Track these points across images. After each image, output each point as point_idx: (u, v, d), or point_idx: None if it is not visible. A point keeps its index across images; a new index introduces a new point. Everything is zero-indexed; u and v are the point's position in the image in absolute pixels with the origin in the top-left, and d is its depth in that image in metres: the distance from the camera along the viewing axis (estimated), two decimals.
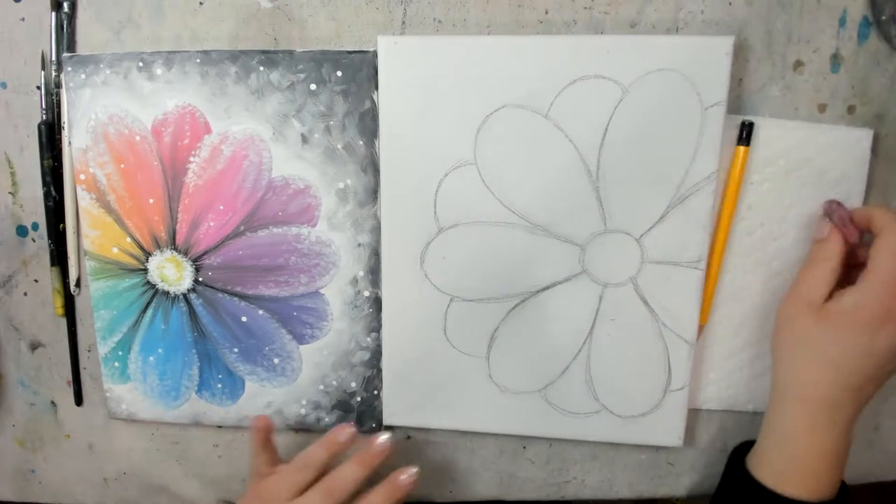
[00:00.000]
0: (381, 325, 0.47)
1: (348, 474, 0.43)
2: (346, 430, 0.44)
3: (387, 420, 0.49)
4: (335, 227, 0.46)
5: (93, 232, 0.48)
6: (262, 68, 0.44)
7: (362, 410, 0.50)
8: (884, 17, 0.41)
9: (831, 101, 0.43)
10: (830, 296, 0.38)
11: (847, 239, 0.39)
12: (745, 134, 0.42)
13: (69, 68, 0.45)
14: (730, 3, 0.42)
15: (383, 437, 0.44)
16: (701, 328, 0.45)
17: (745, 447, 0.43)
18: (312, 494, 0.43)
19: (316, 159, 0.45)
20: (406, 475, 0.43)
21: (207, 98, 0.45)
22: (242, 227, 0.47)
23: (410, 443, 0.51)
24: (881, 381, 0.38)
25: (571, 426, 0.47)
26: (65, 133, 0.47)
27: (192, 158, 0.46)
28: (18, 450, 0.55)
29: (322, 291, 0.47)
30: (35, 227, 0.50)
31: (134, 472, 0.55)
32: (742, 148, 0.42)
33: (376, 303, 0.47)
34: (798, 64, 0.43)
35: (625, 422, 0.47)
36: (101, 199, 0.47)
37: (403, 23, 0.44)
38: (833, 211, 0.41)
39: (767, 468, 0.40)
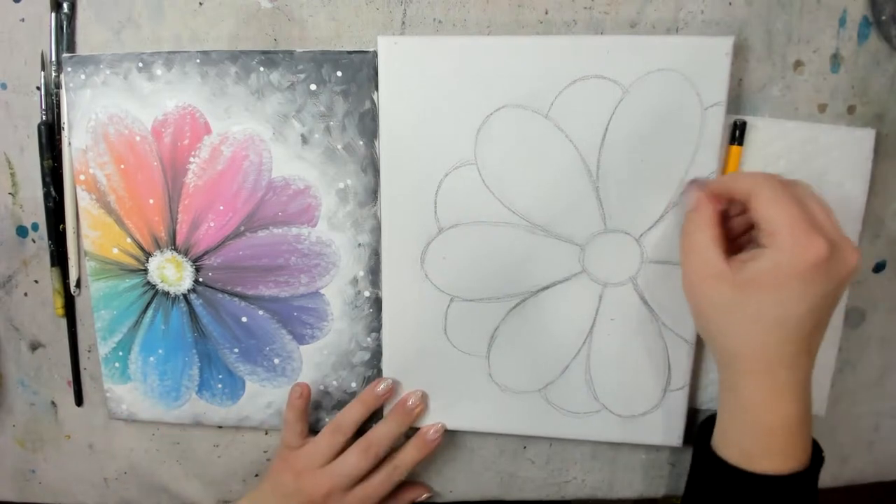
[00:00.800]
0: (381, 325, 0.47)
1: (384, 431, 0.46)
2: (383, 384, 0.47)
3: None
4: (335, 228, 0.46)
5: (93, 232, 0.48)
6: (262, 68, 0.44)
7: None
8: (884, 17, 0.41)
9: (831, 101, 0.43)
10: (728, 261, 0.36)
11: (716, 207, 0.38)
12: (738, 133, 0.42)
13: (69, 68, 0.45)
14: (730, 3, 0.42)
15: (416, 395, 0.47)
16: None
17: (710, 424, 0.41)
18: (349, 455, 0.45)
19: (316, 159, 0.45)
20: (433, 430, 0.47)
21: (207, 98, 0.45)
22: (242, 228, 0.47)
23: None
24: (823, 325, 0.36)
25: (571, 426, 0.47)
26: (65, 133, 0.47)
27: (192, 159, 0.46)
28: (19, 450, 0.55)
29: (322, 291, 0.47)
30: (35, 227, 0.50)
31: (134, 473, 0.55)
32: (735, 147, 0.42)
33: (376, 303, 0.47)
34: (798, 64, 0.43)
35: (625, 421, 0.47)
36: (101, 200, 0.47)
37: (403, 23, 0.44)
38: (697, 184, 0.40)
39: (733, 447, 0.37)
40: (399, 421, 0.46)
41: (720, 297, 0.36)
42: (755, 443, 0.36)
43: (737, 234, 0.40)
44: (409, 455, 0.46)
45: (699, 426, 0.44)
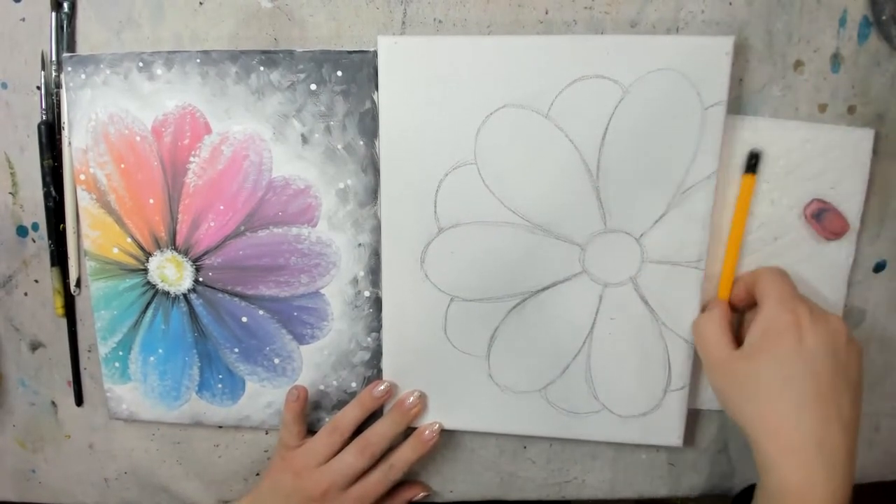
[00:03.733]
0: (381, 325, 0.47)
1: (382, 431, 0.46)
2: (381, 386, 0.47)
3: None
4: (335, 228, 0.46)
5: (93, 232, 0.48)
6: (262, 68, 0.44)
7: None
8: (884, 17, 0.41)
9: (832, 101, 0.43)
10: (737, 342, 0.40)
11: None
12: (753, 163, 0.42)
13: (69, 68, 0.45)
14: (730, 3, 0.42)
15: (414, 395, 0.47)
16: None
17: (746, 497, 0.41)
18: (346, 454, 0.46)
19: (316, 159, 0.45)
20: (430, 430, 0.47)
21: (208, 98, 0.45)
22: (243, 228, 0.47)
23: None
24: (843, 393, 0.36)
25: (572, 426, 0.47)
26: (65, 133, 0.47)
27: (192, 158, 0.46)
28: (19, 450, 0.55)
29: (322, 291, 0.47)
30: (35, 227, 0.50)
31: (134, 473, 0.55)
32: (749, 176, 0.42)
33: (376, 303, 0.47)
34: (798, 64, 0.43)
35: (625, 421, 0.47)
36: (102, 200, 0.47)
37: (403, 23, 0.44)
38: None
39: None
40: (397, 420, 0.47)
41: (734, 376, 0.38)
42: None
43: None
44: (405, 454, 0.46)
45: (734, 500, 0.45)
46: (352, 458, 0.45)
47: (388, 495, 0.48)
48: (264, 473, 0.49)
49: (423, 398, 0.47)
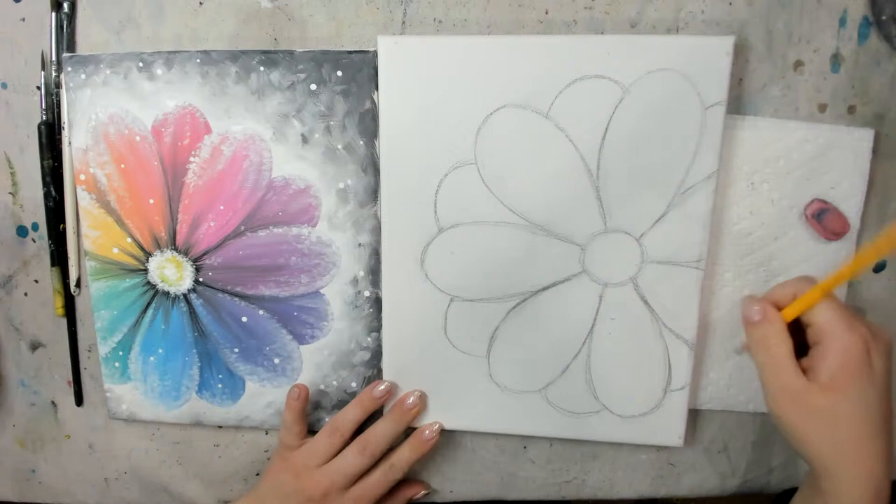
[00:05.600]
0: (381, 325, 0.47)
1: (382, 431, 0.46)
2: (381, 387, 0.47)
3: None
4: (335, 227, 0.46)
5: (93, 232, 0.48)
6: (262, 68, 0.44)
7: None
8: (884, 17, 0.41)
9: (832, 101, 0.43)
10: (805, 370, 0.37)
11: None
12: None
13: (69, 68, 0.45)
14: (730, 3, 0.42)
15: (415, 395, 0.47)
16: None
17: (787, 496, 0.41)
18: (347, 454, 0.46)
19: (316, 159, 0.45)
20: (430, 430, 0.47)
21: (208, 98, 0.45)
22: (243, 228, 0.47)
23: None
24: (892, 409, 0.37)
25: (572, 426, 0.47)
26: (65, 133, 0.47)
27: (192, 158, 0.46)
28: (19, 450, 0.55)
29: (322, 291, 0.47)
30: (35, 227, 0.50)
31: (134, 473, 0.55)
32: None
33: (376, 303, 0.47)
34: (798, 64, 0.43)
35: (625, 421, 0.47)
36: (102, 200, 0.47)
37: (403, 23, 0.44)
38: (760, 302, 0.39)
39: None
40: (397, 420, 0.47)
41: (810, 409, 0.36)
42: None
43: None
44: (405, 454, 0.47)
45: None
46: (352, 458, 0.45)
47: (389, 495, 0.48)
48: (264, 473, 0.49)
49: (423, 398, 0.47)
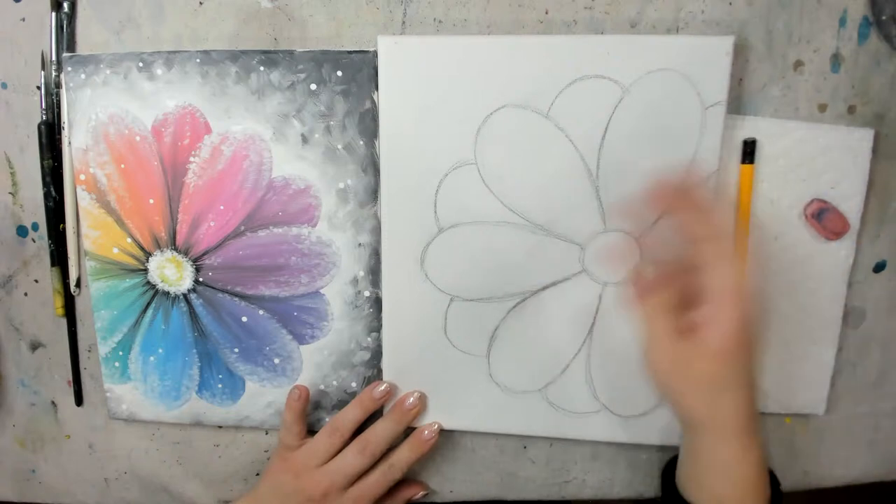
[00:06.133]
0: (381, 325, 0.47)
1: (382, 431, 0.46)
2: (381, 387, 0.47)
3: None
4: (335, 227, 0.46)
5: (93, 232, 0.48)
6: (262, 68, 0.44)
7: None
8: (884, 17, 0.41)
9: (832, 101, 0.43)
10: (681, 331, 0.37)
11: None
12: (749, 151, 0.42)
13: (69, 68, 0.45)
14: (730, 3, 0.42)
15: (414, 395, 0.47)
16: None
17: (673, 467, 0.43)
18: (347, 454, 0.46)
19: (316, 159, 0.45)
20: (429, 430, 0.47)
21: (208, 98, 0.45)
22: (243, 228, 0.47)
23: None
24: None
25: (572, 426, 0.47)
26: (65, 133, 0.47)
27: (192, 158, 0.46)
28: (19, 450, 0.55)
29: (322, 291, 0.47)
30: (35, 227, 0.50)
31: (134, 473, 0.55)
32: (747, 166, 0.42)
33: (376, 303, 0.47)
34: (798, 64, 0.43)
35: (625, 421, 0.47)
36: (102, 200, 0.47)
37: (403, 23, 0.44)
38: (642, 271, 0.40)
39: (705, 492, 0.39)
40: (397, 420, 0.47)
41: (695, 374, 0.37)
42: (730, 491, 0.38)
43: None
44: (404, 454, 0.47)
45: (664, 471, 0.44)
46: (352, 458, 0.45)
47: (388, 495, 0.48)
48: (264, 473, 0.49)
49: (422, 398, 0.47)
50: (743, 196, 0.43)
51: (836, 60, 0.42)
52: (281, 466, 0.47)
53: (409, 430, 0.48)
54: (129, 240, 0.48)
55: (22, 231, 0.50)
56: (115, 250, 0.48)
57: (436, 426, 0.47)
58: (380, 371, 0.48)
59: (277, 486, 0.47)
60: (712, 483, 0.39)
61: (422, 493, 0.50)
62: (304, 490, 0.45)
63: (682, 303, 0.38)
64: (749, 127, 0.43)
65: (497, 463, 0.51)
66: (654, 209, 0.41)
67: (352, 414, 0.47)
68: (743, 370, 0.37)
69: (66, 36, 0.46)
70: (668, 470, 0.43)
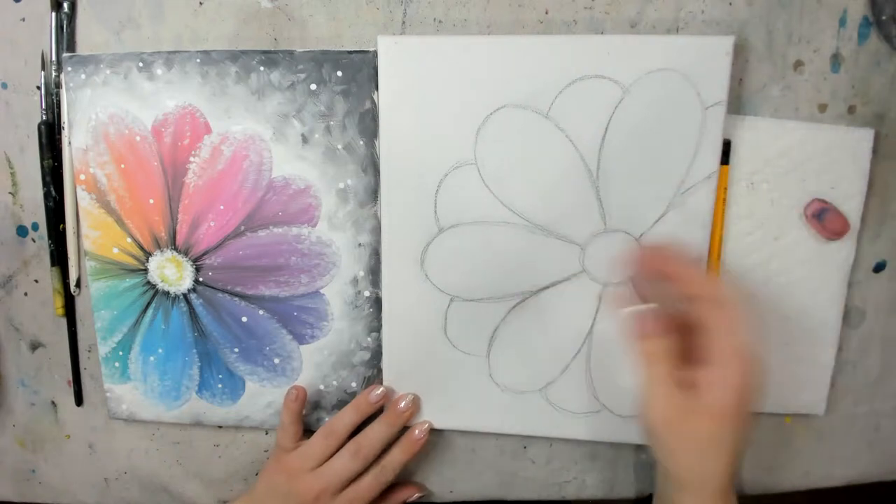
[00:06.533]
0: (381, 325, 0.47)
1: (374, 434, 0.46)
2: (378, 391, 0.47)
3: None
4: (335, 227, 0.46)
5: (93, 232, 0.48)
6: (262, 68, 0.44)
7: None
8: (884, 17, 0.41)
9: (832, 101, 0.43)
10: (681, 383, 0.36)
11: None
12: (724, 152, 0.42)
13: (69, 68, 0.45)
14: (730, 3, 0.42)
15: (408, 398, 0.47)
16: None
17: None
18: (339, 457, 0.46)
19: (316, 159, 0.45)
20: (419, 430, 0.47)
21: (208, 98, 0.45)
22: (243, 228, 0.47)
23: None
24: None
25: (572, 426, 0.47)
26: (65, 133, 0.47)
27: (192, 158, 0.46)
28: (19, 450, 0.55)
29: (322, 291, 0.47)
30: (35, 227, 0.50)
31: (134, 473, 0.55)
32: (724, 167, 0.42)
33: (376, 303, 0.47)
34: (798, 64, 0.43)
35: (625, 421, 0.47)
36: (102, 200, 0.47)
37: (403, 23, 0.44)
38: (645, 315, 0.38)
39: None
40: (390, 423, 0.47)
41: (690, 430, 0.36)
42: None
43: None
44: (396, 456, 0.47)
45: None
46: (344, 461, 0.45)
47: (383, 497, 0.48)
48: (260, 475, 0.49)
49: (416, 401, 0.47)
50: (717, 197, 0.42)
51: (836, 60, 0.42)
52: (276, 468, 0.47)
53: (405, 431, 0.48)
54: (129, 240, 0.48)
55: (22, 231, 0.50)
56: (115, 250, 0.48)
57: (426, 426, 0.47)
58: (380, 371, 0.48)
59: (272, 487, 0.47)
60: None
61: (417, 494, 0.50)
62: (297, 493, 0.45)
63: (683, 354, 0.37)
64: (749, 127, 0.43)
65: (497, 463, 0.51)
66: (645, 274, 0.40)
67: (347, 417, 0.47)
68: (739, 433, 0.36)
69: (66, 36, 0.46)
70: None
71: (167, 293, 0.49)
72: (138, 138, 0.46)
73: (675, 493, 0.38)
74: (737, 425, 0.35)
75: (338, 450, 0.46)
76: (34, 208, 0.50)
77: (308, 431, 0.49)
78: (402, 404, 0.47)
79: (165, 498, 0.55)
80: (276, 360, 0.49)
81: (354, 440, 0.46)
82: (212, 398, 0.51)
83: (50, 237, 0.49)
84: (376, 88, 0.43)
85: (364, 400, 0.47)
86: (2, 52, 0.47)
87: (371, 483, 0.46)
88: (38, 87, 0.47)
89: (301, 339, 0.49)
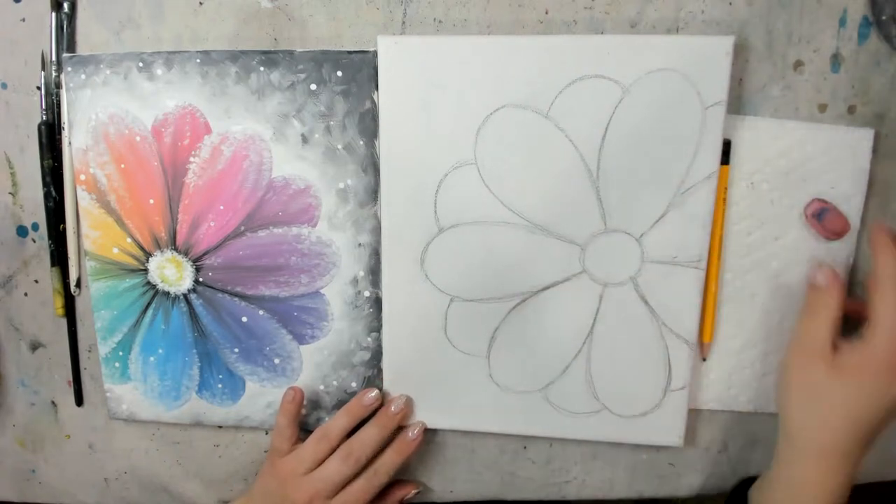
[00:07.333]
0: (381, 325, 0.47)
1: (366, 437, 0.46)
2: (371, 394, 0.47)
3: None
4: (335, 227, 0.46)
5: (93, 232, 0.48)
6: (262, 68, 0.44)
7: None
8: (884, 17, 0.41)
9: (832, 101, 0.43)
10: (835, 346, 0.38)
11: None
12: (724, 152, 0.42)
13: (69, 68, 0.45)
14: (730, 3, 0.42)
15: (399, 401, 0.47)
16: (706, 345, 0.46)
17: (746, 484, 0.43)
18: (331, 462, 0.46)
19: (316, 159, 0.45)
20: (413, 431, 0.47)
21: (208, 98, 0.45)
22: (243, 228, 0.47)
23: None
24: (888, 426, 0.38)
25: (572, 426, 0.47)
26: (65, 133, 0.47)
27: (192, 159, 0.46)
28: (19, 450, 0.55)
29: (322, 291, 0.47)
30: (35, 227, 0.50)
31: (134, 473, 0.55)
32: (722, 167, 0.42)
33: (376, 303, 0.47)
34: (798, 64, 0.43)
35: (625, 421, 0.47)
36: (102, 200, 0.47)
37: (403, 23, 0.44)
38: (831, 271, 0.40)
39: None
40: (382, 426, 0.46)
41: (812, 376, 0.38)
42: None
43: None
44: (389, 458, 0.46)
45: (733, 489, 0.45)
46: (336, 465, 0.45)
47: (381, 496, 0.47)
48: (257, 477, 0.49)
49: (408, 403, 0.47)
50: (717, 197, 0.42)
51: (836, 60, 0.42)
52: (270, 472, 0.47)
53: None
54: (129, 240, 0.48)
55: (22, 231, 0.50)
56: (115, 250, 0.48)
57: (419, 426, 0.47)
58: (380, 371, 0.48)
59: (265, 491, 0.47)
60: (786, 501, 0.39)
61: (414, 490, 0.50)
62: (290, 496, 0.45)
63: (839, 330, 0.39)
64: (749, 127, 0.43)
65: (497, 463, 0.51)
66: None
67: (340, 421, 0.46)
68: (875, 400, 0.37)
69: (66, 36, 0.46)
70: (736, 493, 0.44)
71: (167, 293, 0.49)
72: (138, 138, 0.46)
73: (787, 447, 0.39)
74: (876, 389, 0.36)
75: (330, 454, 0.46)
76: (34, 208, 0.50)
77: (307, 432, 0.49)
78: (394, 407, 0.47)
79: (165, 498, 0.55)
80: (277, 361, 0.49)
81: (346, 444, 0.46)
82: (212, 398, 0.51)
83: (50, 237, 0.49)
84: (376, 88, 0.43)
85: (357, 403, 0.47)
86: (2, 52, 0.47)
87: (364, 486, 0.45)
88: (38, 88, 0.47)
89: (301, 340, 0.49)
